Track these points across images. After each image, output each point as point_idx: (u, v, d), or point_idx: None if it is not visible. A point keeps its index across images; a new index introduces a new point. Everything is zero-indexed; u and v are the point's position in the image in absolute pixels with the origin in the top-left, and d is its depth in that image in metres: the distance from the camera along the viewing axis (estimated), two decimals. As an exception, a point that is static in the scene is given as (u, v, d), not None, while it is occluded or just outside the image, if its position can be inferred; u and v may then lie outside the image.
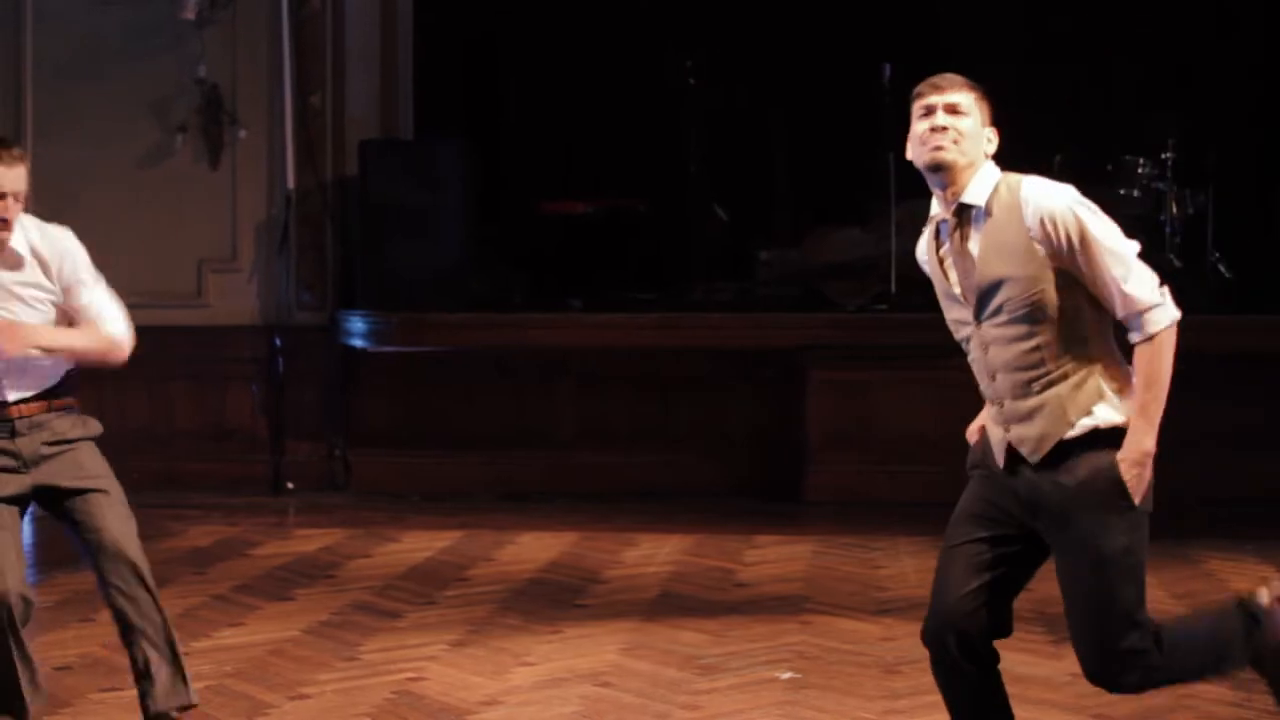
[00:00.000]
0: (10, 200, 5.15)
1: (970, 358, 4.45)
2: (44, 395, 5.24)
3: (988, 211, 4.30)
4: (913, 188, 10.80)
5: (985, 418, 4.49)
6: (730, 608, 7.41)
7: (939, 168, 4.33)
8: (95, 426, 5.42)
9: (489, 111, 12.16)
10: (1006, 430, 4.34)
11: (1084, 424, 4.26)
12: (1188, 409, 10.18)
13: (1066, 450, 4.26)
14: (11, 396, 5.18)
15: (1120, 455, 4.25)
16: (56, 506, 5.25)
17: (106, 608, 5.24)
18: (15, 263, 5.22)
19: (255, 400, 10.37)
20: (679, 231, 11.41)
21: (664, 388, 10.75)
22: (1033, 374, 4.28)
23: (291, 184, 10.96)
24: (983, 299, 4.31)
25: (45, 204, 10.83)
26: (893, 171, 10.27)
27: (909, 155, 4.47)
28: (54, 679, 6.15)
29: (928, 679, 6.06)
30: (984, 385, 4.42)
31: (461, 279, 10.65)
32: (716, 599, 7.62)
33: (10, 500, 5.17)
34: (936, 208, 4.48)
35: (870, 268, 10.68)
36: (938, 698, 5.74)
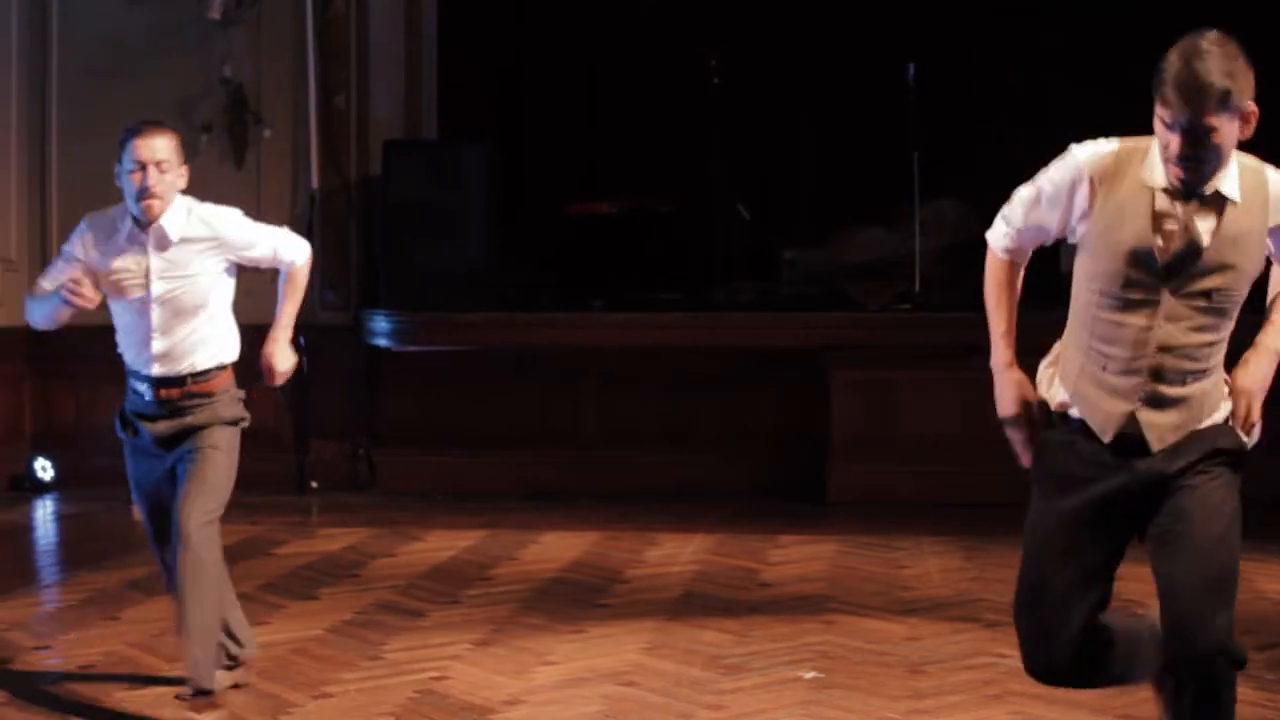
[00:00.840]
0: (152, 169, 5.44)
1: (1117, 317, 4.11)
2: (183, 379, 5.66)
3: (1233, 205, 4.07)
4: (937, 186, 10.84)
5: (1084, 387, 4.20)
6: (753, 607, 7.40)
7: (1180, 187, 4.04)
8: (237, 409, 5.83)
9: (513, 112, 12.16)
10: (1136, 408, 4.12)
11: (1209, 421, 4.17)
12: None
13: (1189, 439, 4.14)
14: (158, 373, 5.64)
15: (1248, 359, 4.19)
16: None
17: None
18: (163, 242, 5.54)
19: (279, 399, 10.37)
20: (703, 231, 11.40)
21: (687, 388, 10.75)
22: (1195, 365, 4.10)
23: (316, 184, 10.98)
24: (1193, 277, 4.04)
25: (72, 202, 10.95)
26: (917, 170, 10.25)
27: (1155, 129, 4.04)
28: (79, 677, 6.18)
29: (952, 679, 6.08)
30: (1128, 354, 4.11)
31: (485, 279, 10.65)
32: (740, 598, 7.61)
33: (159, 478, 5.79)
34: (1161, 168, 4.06)
35: (895, 267, 10.66)
36: (962, 697, 5.75)
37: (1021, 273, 4.43)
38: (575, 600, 7.56)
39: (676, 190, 11.62)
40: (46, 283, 5.65)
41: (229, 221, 5.69)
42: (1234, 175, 4.06)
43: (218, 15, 10.83)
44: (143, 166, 5.46)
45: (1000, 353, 4.38)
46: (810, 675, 6.18)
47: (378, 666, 6.36)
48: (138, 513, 10.17)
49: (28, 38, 11.15)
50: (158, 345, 5.57)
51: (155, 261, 5.54)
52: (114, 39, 11.01)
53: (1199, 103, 3.89)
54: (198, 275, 5.59)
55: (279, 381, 5.83)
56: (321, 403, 10.85)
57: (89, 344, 10.89)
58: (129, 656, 6.47)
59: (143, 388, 5.64)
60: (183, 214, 5.57)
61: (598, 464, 10.60)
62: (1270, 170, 4.16)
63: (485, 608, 7.40)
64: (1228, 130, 3.95)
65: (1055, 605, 4.26)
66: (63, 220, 11.03)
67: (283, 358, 5.80)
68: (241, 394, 5.81)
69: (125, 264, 5.56)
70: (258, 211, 10.86)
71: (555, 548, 8.86)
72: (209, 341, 5.67)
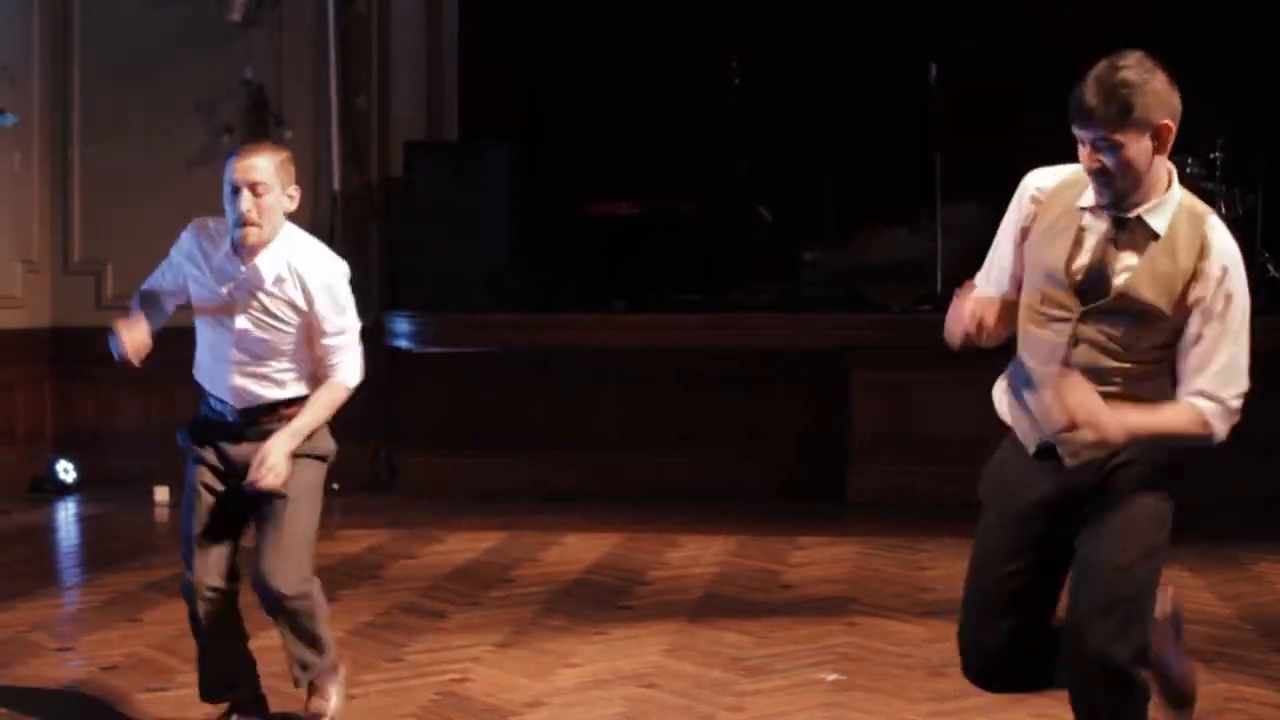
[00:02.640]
0: (246, 193, 5.01)
1: (1041, 333, 4.15)
2: (274, 407, 5.23)
3: (1162, 233, 4.05)
4: (959, 187, 10.82)
5: (1014, 400, 4.26)
6: (775, 609, 7.39)
7: (1101, 204, 4.06)
8: (325, 442, 5.41)
9: (534, 112, 12.17)
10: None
11: (1130, 452, 4.14)
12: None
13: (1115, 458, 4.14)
14: (239, 405, 5.20)
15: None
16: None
17: None
18: (255, 282, 5.09)
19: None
20: (723, 232, 11.39)
21: (708, 389, 10.74)
22: (1115, 389, 4.05)
23: (337, 185, 10.99)
24: (1104, 304, 4.05)
25: (93, 204, 10.98)
26: (939, 172, 10.22)
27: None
28: (101, 678, 6.19)
29: (974, 682, 6.04)
30: (1046, 373, 4.12)
31: (506, 280, 10.65)
32: (761, 600, 7.60)
33: (228, 496, 5.22)
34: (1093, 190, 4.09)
35: (916, 268, 10.64)
36: (985, 700, 5.72)
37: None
38: (596, 602, 7.55)
39: (697, 191, 11.61)
40: (150, 285, 5.32)
41: (322, 290, 5.17)
42: (1167, 210, 4.06)
43: (239, 17, 10.84)
44: (237, 190, 5.01)
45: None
46: (832, 677, 6.17)
47: (399, 668, 6.35)
48: (160, 494, 10.21)
49: (49, 39, 11.18)
50: (237, 379, 5.16)
51: (242, 296, 5.11)
52: (135, 41, 11.03)
53: (1102, 115, 3.92)
54: (284, 323, 5.15)
55: (262, 485, 5.03)
56: (342, 404, 10.83)
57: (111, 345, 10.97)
58: (150, 658, 6.47)
59: (224, 408, 5.21)
60: (282, 262, 5.11)
61: (618, 465, 10.59)
62: (1213, 219, 4.13)
63: (506, 609, 7.40)
64: (1136, 147, 3.95)
65: (995, 614, 4.31)
66: (84, 222, 11.07)
67: (279, 459, 5.07)
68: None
69: (214, 287, 5.14)
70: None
71: (576, 549, 8.85)
72: (298, 373, 5.25)
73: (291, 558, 5.12)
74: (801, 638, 6.78)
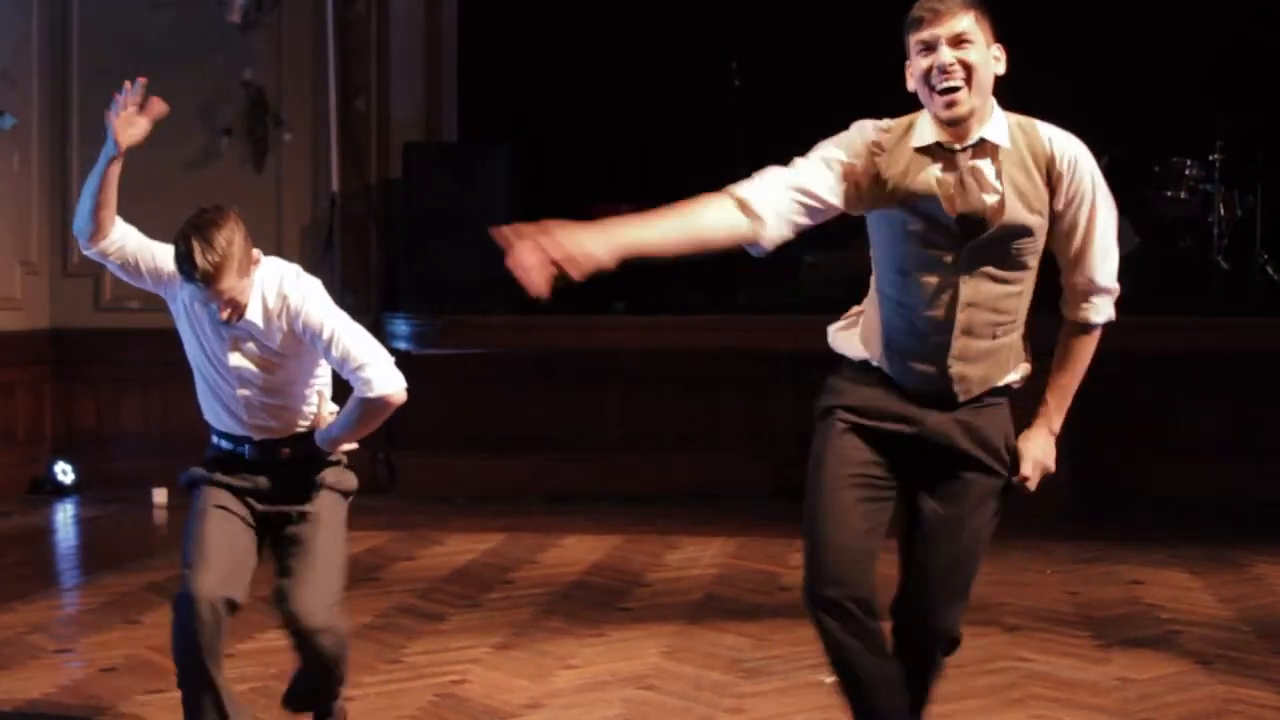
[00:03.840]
0: (221, 303, 4.66)
1: (914, 285, 4.15)
2: (298, 439, 5.03)
3: (1004, 152, 4.09)
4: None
5: (894, 348, 4.26)
6: (774, 611, 7.38)
7: (956, 122, 4.07)
8: (348, 479, 5.20)
9: (533, 113, 12.15)
10: (948, 366, 4.15)
11: (1009, 377, 4.26)
12: (1236, 410, 10.21)
13: (985, 397, 4.23)
14: (257, 438, 4.95)
15: (1032, 434, 4.31)
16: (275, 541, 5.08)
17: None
18: (248, 329, 4.81)
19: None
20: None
21: (709, 390, 10.74)
22: (1000, 319, 4.15)
23: (336, 187, 10.99)
24: (987, 239, 4.07)
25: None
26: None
27: (910, 88, 4.17)
28: (99, 680, 6.19)
29: (973, 683, 6.05)
30: (931, 315, 4.14)
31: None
32: (760, 602, 7.60)
33: (247, 521, 4.96)
34: (929, 128, 4.14)
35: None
36: (983, 701, 5.73)
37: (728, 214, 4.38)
38: (596, 604, 7.55)
39: (698, 192, 11.56)
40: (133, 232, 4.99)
41: (316, 309, 4.88)
42: (1002, 125, 4.11)
43: (238, 18, 10.85)
44: (211, 300, 4.68)
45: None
46: (830, 680, 6.14)
47: (398, 670, 6.35)
48: (159, 496, 10.18)
49: (48, 40, 11.20)
50: (249, 416, 4.92)
51: (232, 331, 4.83)
52: (134, 42, 11.02)
53: (946, 9, 4.02)
54: (280, 355, 4.88)
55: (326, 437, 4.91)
56: (341, 405, 10.83)
57: (110, 347, 10.98)
58: (150, 660, 6.47)
59: (241, 446, 4.97)
60: (259, 299, 4.79)
61: (619, 467, 10.59)
62: (1039, 123, 4.18)
63: (505, 611, 7.39)
64: (979, 48, 4.04)
65: (854, 532, 4.37)
66: (83, 223, 11.06)
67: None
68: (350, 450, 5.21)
69: (201, 322, 4.86)
70: (278, 216, 11.04)
71: (576, 551, 8.85)
72: (311, 404, 5.06)
73: (325, 589, 4.94)
74: (801, 640, 6.75)
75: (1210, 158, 10.40)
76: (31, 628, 7.06)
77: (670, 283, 11.17)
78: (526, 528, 9.50)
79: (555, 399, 10.86)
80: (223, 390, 4.94)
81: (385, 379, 4.96)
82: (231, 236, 4.64)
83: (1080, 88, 11.16)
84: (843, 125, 4.32)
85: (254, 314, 4.78)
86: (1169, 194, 10.36)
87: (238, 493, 4.95)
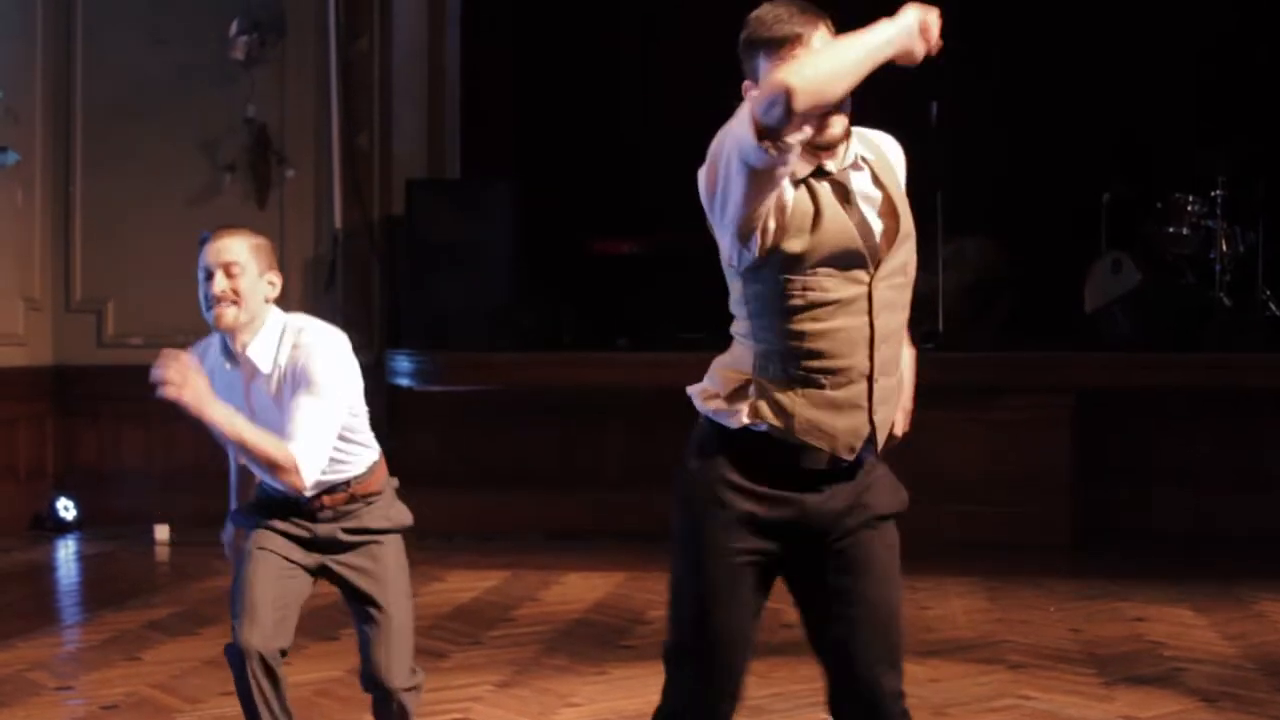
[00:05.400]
0: (220, 275, 4.55)
1: (834, 324, 3.77)
2: (346, 484, 4.94)
3: (868, 156, 3.87)
4: (961, 224, 10.80)
5: (810, 409, 3.79)
6: (776, 649, 7.34)
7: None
8: (403, 516, 5.18)
9: (536, 150, 12.18)
10: (873, 413, 3.81)
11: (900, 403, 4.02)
12: (1239, 447, 10.18)
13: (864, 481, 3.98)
14: (310, 490, 4.74)
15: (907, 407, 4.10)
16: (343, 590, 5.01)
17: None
18: (254, 376, 4.68)
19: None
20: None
21: (711, 427, 10.71)
22: (898, 349, 3.88)
23: (339, 223, 11.00)
24: (888, 254, 3.78)
25: (95, 242, 10.97)
26: (940, 208, 10.23)
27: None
28: (100, 717, 6.17)
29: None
30: (855, 358, 3.78)
31: (508, 318, 10.65)
32: (762, 640, 7.50)
33: (295, 563, 4.88)
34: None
35: (918, 305, 10.60)
36: (987, 740, 5.69)
37: None
38: (598, 641, 7.53)
39: (700, 228, 11.56)
40: None
41: (319, 359, 4.67)
42: (858, 141, 3.93)
43: (241, 55, 10.88)
44: (210, 274, 4.57)
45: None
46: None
47: (399, 708, 6.32)
48: (161, 532, 10.13)
49: (52, 77, 11.22)
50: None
51: (255, 398, 4.68)
52: (138, 78, 11.06)
53: (802, 17, 3.95)
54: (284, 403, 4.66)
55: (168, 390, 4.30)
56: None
57: (113, 383, 10.96)
58: (150, 697, 6.45)
59: (291, 493, 4.74)
60: (274, 338, 4.68)
61: (621, 504, 10.56)
62: (869, 132, 4.03)
63: (508, 649, 7.37)
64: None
65: (734, 648, 4.17)
66: (86, 260, 11.07)
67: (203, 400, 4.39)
68: (395, 483, 5.23)
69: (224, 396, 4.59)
70: (281, 251, 10.98)
71: (578, 589, 8.83)
72: (350, 453, 4.95)
73: (403, 647, 4.94)
74: (803, 677, 6.74)
75: (1213, 194, 10.40)
76: (32, 665, 7.04)
77: (672, 319, 11.19)
78: (528, 565, 9.48)
79: (558, 435, 10.84)
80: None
81: (301, 462, 4.58)
82: (258, 235, 4.70)
83: (1083, 123, 11.19)
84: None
85: (259, 351, 4.65)
86: (1171, 230, 10.36)
87: (289, 536, 4.88)
